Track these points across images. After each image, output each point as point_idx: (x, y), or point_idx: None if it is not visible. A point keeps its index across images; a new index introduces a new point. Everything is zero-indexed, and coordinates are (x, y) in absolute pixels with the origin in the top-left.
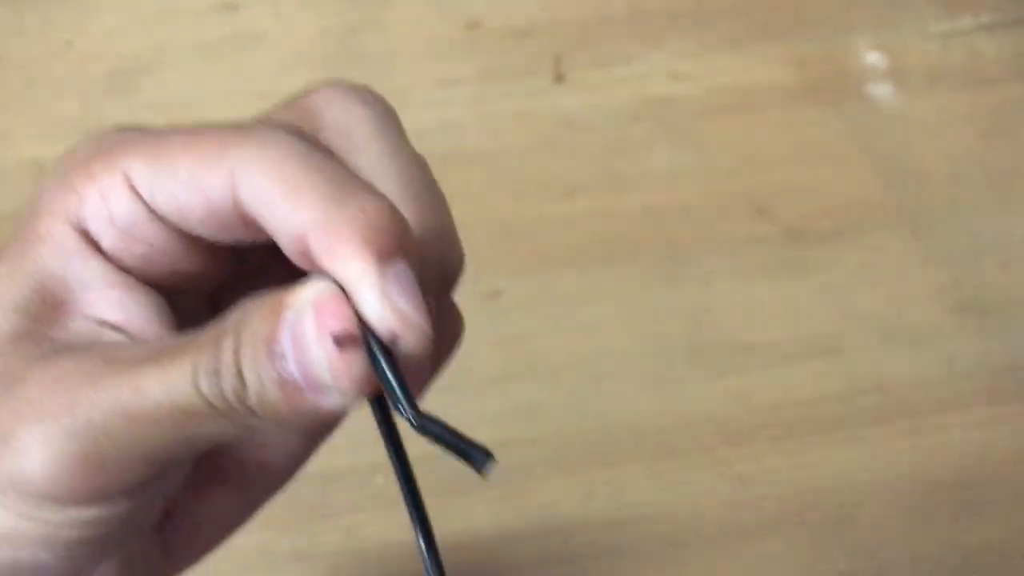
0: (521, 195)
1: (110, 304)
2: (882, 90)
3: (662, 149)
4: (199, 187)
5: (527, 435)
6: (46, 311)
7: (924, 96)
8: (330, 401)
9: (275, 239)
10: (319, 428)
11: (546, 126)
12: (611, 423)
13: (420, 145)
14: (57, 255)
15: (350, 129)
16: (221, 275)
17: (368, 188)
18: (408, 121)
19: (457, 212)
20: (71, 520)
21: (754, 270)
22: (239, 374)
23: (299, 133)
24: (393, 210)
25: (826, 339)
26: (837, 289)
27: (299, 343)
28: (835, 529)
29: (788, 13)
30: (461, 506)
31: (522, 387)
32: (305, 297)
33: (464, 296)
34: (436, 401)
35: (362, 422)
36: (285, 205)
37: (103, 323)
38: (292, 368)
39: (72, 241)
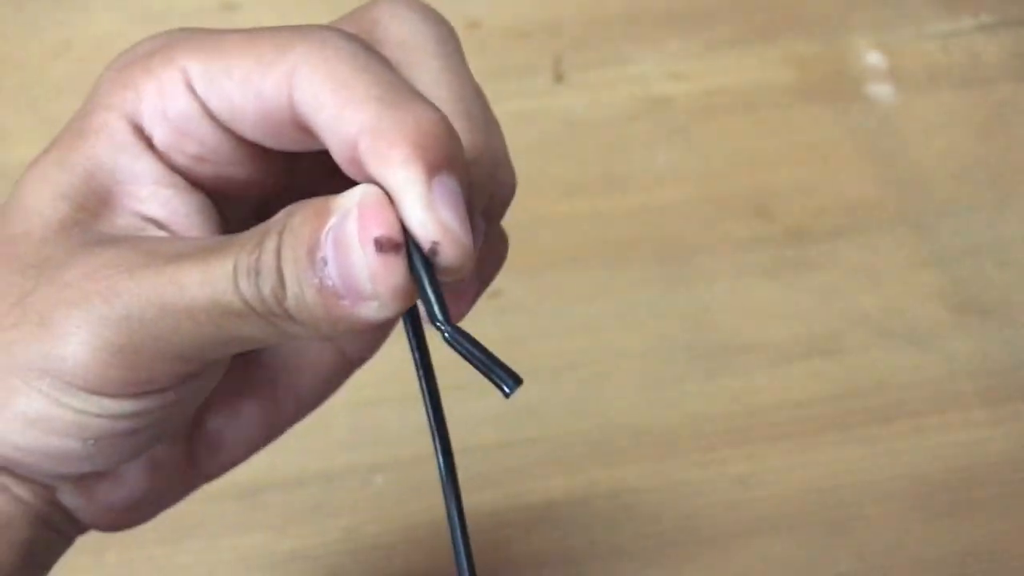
0: (521, 195)
1: (157, 201)
2: (882, 90)
3: (662, 149)
4: (254, 89)
5: (527, 435)
6: (93, 202)
7: (924, 96)
8: (367, 311)
9: (326, 144)
10: (349, 360)
11: (546, 126)
12: (611, 423)
13: None
14: (109, 147)
15: (411, 44)
16: (270, 184)
17: (423, 99)
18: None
19: None
20: (103, 411)
21: (754, 270)
22: (279, 276)
23: (358, 39)
24: (446, 122)
25: (826, 339)
26: (837, 289)
27: (341, 246)
28: (835, 529)
29: (788, 13)
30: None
31: (523, 387)
32: (350, 201)
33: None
34: None
35: (362, 422)
36: (338, 108)
37: (148, 219)
38: (333, 273)
39: (126, 135)
